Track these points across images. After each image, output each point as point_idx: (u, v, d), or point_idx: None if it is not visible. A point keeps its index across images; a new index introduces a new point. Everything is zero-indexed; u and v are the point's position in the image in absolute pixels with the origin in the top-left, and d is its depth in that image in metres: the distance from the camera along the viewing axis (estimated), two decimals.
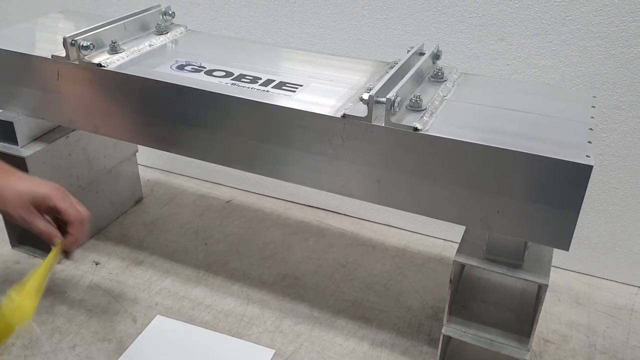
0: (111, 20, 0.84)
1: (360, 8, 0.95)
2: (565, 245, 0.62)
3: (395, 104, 0.63)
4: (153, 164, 1.28)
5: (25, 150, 0.90)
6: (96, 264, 0.97)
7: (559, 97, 0.73)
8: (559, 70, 0.88)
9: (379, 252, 1.04)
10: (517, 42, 0.88)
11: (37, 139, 0.93)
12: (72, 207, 0.77)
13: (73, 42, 0.78)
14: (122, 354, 0.80)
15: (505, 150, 0.60)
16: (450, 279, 0.71)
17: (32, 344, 0.82)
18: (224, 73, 0.77)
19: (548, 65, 0.88)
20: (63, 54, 0.79)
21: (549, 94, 0.74)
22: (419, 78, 0.73)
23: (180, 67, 0.78)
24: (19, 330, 0.66)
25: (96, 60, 0.78)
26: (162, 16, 0.90)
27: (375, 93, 0.64)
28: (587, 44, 0.84)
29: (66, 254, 0.80)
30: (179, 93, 0.74)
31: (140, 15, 0.87)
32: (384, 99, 0.63)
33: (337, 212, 1.14)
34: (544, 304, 0.67)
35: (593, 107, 0.70)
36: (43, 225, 0.78)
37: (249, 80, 0.75)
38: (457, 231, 0.75)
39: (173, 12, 0.91)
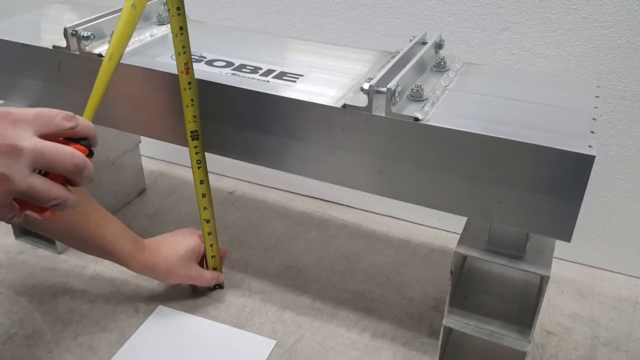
0: (112, 10, 0.83)
1: None
2: (567, 237, 0.61)
3: (396, 94, 0.63)
4: (156, 155, 1.28)
5: None
6: None
7: (562, 87, 0.72)
8: (564, 59, 0.87)
9: (381, 243, 1.04)
10: (522, 31, 0.87)
11: None
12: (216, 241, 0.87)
13: (74, 32, 0.77)
14: (124, 343, 0.81)
15: (507, 140, 0.59)
16: (451, 271, 0.70)
17: (35, 333, 0.82)
18: (224, 63, 0.77)
19: (552, 55, 0.87)
20: (64, 44, 0.79)
21: (553, 84, 0.73)
22: (420, 68, 0.72)
23: None
24: None
25: (97, 51, 0.78)
26: (164, 6, 0.89)
27: (376, 83, 0.63)
28: (592, 33, 0.83)
29: (221, 285, 0.91)
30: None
31: None
32: (384, 89, 0.62)
33: (340, 204, 1.14)
34: (547, 295, 0.67)
35: (597, 97, 0.69)
36: (210, 274, 0.87)
37: (249, 70, 0.75)
38: (460, 223, 0.74)
39: None
